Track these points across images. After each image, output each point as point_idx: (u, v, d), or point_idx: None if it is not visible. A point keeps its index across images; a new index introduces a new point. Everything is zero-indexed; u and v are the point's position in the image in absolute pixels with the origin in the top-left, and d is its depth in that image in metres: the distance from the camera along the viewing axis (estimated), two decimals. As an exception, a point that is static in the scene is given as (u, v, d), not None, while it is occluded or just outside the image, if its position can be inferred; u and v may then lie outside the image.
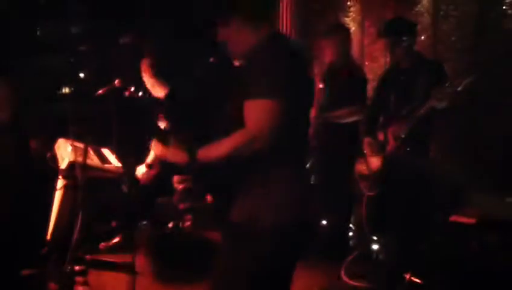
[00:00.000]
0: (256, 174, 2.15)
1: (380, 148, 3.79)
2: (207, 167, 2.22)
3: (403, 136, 3.79)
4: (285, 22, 6.91)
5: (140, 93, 2.20)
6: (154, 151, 2.27)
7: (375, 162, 4.06)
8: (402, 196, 3.75)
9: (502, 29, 4.22)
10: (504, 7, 4.21)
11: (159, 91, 4.68)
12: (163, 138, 2.22)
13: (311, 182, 4.88)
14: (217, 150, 2.14)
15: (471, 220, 3.05)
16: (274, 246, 2.15)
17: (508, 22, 4.18)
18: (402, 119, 3.78)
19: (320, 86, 4.94)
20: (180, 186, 4.44)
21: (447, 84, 3.50)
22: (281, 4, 6.95)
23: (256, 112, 2.05)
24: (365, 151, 4.24)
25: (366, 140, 4.07)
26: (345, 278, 4.10)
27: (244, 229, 2.15)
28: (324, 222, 5.06)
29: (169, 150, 2.21)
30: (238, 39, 2.28)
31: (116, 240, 4.67)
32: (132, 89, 2.21)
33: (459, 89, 3.46)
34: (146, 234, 5.39)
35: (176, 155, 2.20)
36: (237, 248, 2.17)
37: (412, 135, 3.78)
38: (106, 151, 4.66)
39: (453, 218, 3.19)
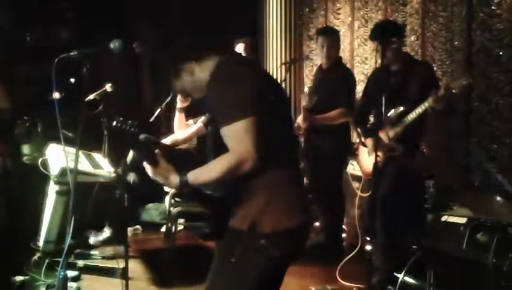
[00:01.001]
0: (250, 181, 2.15)
1: (384, 147, 3.79)
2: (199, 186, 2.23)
3: (395, 137, 3.80)
4: (274, 26, 6.93)
5: (127, 127, 2.18)
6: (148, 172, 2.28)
7: (367, 162, 4.07)
8: (394, 197, 3.76)
9: (491, 29, 4.24)
10: (493, 7, 4.24)
11: None
12: (153, 159, 2.22)
13: (304, 184, 4.90)
14: (206, 173, 2.15)
15: (462, 219, 3.07)
16: (276, 250, 2.15)
17: (497, 22, 4.21)
18: (394, 120, 3.80)
19: (306, 88, 4.95)
20: (172, 191, 4.44)
21: (443, 87, 3.52)
22: (269, 8, 6.98)
23: (235, 136, 2.07)
24: (361, 152, 4.25)
25: (368, 140, 4.06)
26: (339, 279, 4.11)
27: (245, 235, 2.15)
28: (317, 224, 5.08)
29: (160, 172, 2.22)
30: (195, 83, 2.32)
31: (106, 233, 4.65)
32: (120, 119, 2.20)
33: (455, 91, 3.48)
34: (139, 239, 5.39)
35: (167, 177, 2.21)
36: (238, 253, 2.16)
37: (404, 136, 3.79)
38: (98, 156, 4.66)
39: (444, 217, 3.21)
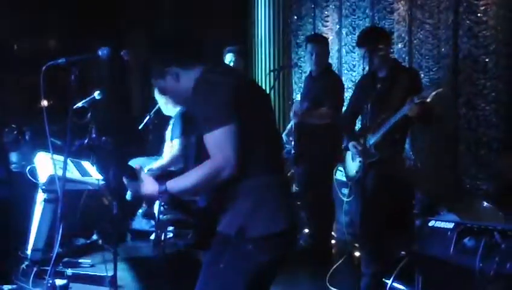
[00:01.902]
0: (236, 186, 2.17)
1: (364, 152, 3.80)
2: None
3: (376, 143, 3.81)
4: (262, 33, 6.96)
5: (101, 144, 2.23)
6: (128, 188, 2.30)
7: (351, 167, 4.08)
8: (374, 202, 3.76)
9: (477, 36, 4.28)
10: (479, 14, 4.28)
11: (171, 110, 4.63)
12: (132, 173, 2.24)
13: (292, 190, 4.91)
14: (187, 180, 2.18)
15: (449, 224, 3.09)
16: (264, 255, 2.17)
17: (483, 29, 4.25)
18: (377, 126, 3.81)
19: (298, 95, 4.97)
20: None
21: (416, 95, 3.53)
22: (257, 15, 7.01)
23: (215, 143, 2.10)
24: (346, 157, 4.26)
25: (351, 144, 4.06)
26: (329, 286, 4.11)
27: (233, 240, 2.16)
28: (306, 230, 5.08)
29: (140, 185, 2.24)
30: (177, 89, 2.33)
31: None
32: (93, 136, 2.24)
33: (428, 100, 3.50)
34: (128, 247, 5.37)
35: (147, 188, 2.22)
36: (226, 259, 2.17)
37: (386, 142, 3.80)
38: (86, 164, 4.64)
39: (432, 222, 3.23)
